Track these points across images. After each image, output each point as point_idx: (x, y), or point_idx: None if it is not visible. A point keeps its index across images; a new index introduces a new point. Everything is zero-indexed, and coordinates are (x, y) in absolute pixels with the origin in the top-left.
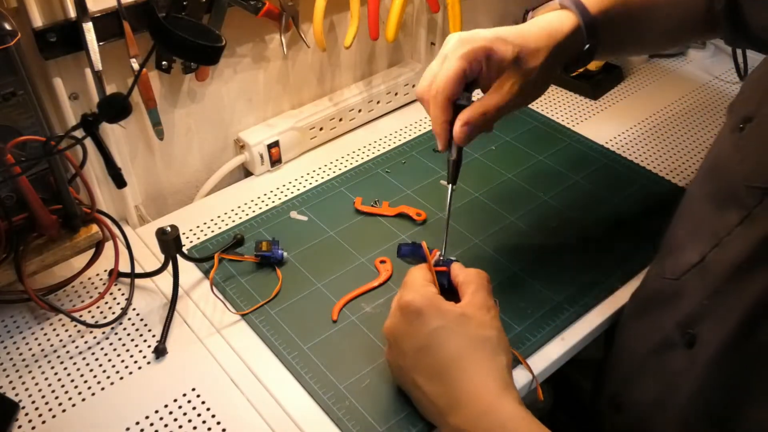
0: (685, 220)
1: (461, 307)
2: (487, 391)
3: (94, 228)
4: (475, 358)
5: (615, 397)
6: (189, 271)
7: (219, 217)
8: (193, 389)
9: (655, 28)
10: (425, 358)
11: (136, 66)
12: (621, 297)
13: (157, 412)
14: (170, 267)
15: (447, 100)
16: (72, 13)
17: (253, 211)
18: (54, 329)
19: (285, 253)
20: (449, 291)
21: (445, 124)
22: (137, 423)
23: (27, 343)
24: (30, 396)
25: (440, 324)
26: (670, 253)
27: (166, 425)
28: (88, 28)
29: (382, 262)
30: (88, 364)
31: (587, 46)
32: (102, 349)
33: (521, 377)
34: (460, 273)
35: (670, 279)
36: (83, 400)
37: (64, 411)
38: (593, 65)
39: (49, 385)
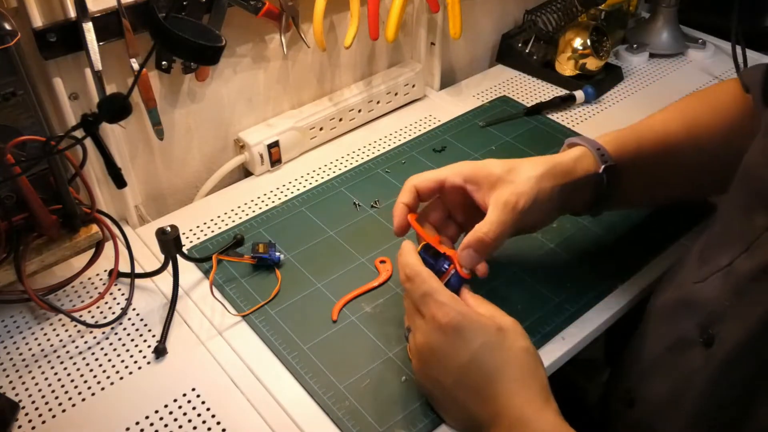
0: (717, 230)
1: (494, 318)
2: (529, 403)
3: (94, 228)
4: (518, 372)
5: (629, 392)
6: (189, 271)
7: (219, 217)
8: (193, 389)
9: (676, 172)
10: (469, 375)
11: (136, 66)
12: (621, 296)
13: (157, 412)
14: (170, 267)
15: (413, 186)
16: (72, 13)
17: (253, 211)
18: (54, 329)
19: (282, 255)
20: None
21: (401, 204)
22: (137, 423)
23: (27, 343)
24: (30, 396)
25: (483, 340)
26: (702, 261)
27: (166, 425)
28: (88, 28)
29: (382, 262)
30: (88, 364)
31: (603, 167)
32: (102, 349)
33: None
34: (465, 297)
35: (696, 283)
36: (83, 400)
37: (64, 411)
38: (593, 65)
39: (49, 385)
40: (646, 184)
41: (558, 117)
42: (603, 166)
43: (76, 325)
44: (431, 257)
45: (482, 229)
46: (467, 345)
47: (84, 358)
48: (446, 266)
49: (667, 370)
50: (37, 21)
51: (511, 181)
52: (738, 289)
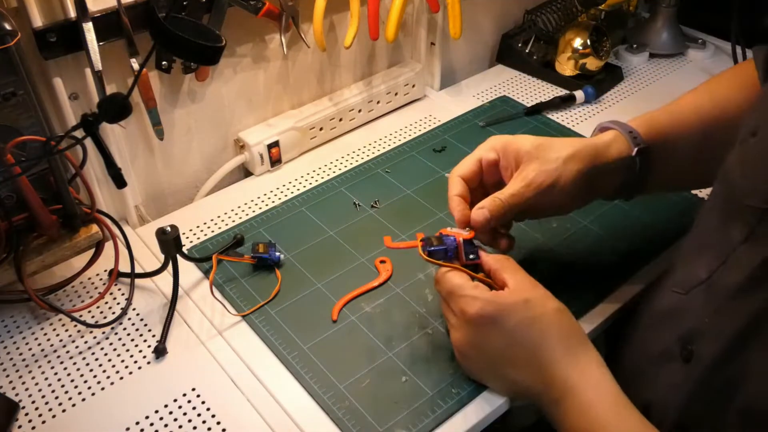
0: (697, 232)
1: (518, 293)
2: (573, 367)
3: (94, 228)
4: (557, 336)
5: None
6: (189, 271)
7: (219, 217)
8: (193, 389)
9: (708, 152)
10: (514, 352)
11: (136, 66)
12: (621, 297)
13: (157, 412)
14: (170, 267)
15: (458, 177)
16: (72, 13)
17: (253, 211)
18: (54, 329)
19: (282, 255)
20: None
21: (455, 197)
22: (137, 423)
23: (27, 343)
24: (30, 396)
25: (517, 319)
26: (683, 266)
27: (166, 425)
28: (88, 28)
29: (382, 262)
30: (88, 364)
31: (635, 150)
32: (102, 349)
33: None
34: (486, 260)
35: (678, 293)
36: (83, 400)
37: (64, 411)
38: (593, 65)
39: (49, 385)
40: (679, 166)
41: (558, 117)
42: (636, 149)
43: (76, 325)
44: (437, 245)
45: (500, 194)
46: (502, 330)
47: (84, 358)
48: (452, 239)
49: (648, 383)
50: (37, 21)
51: (536, 157)
52: (717, 307)
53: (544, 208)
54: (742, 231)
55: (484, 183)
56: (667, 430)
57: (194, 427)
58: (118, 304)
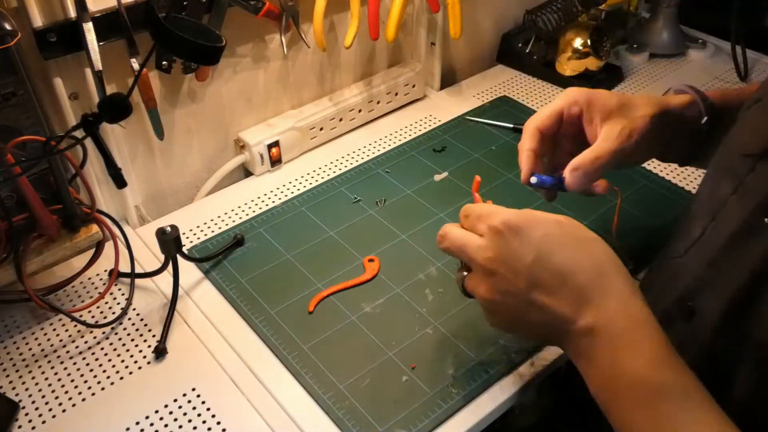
0: (691, 203)
1: (550, 216)
2: (614, 282)
3: (94, 228)
4: (588, 255)
5: None
6: (189, 271)
7: (219, 217)
8: (193, 389)
9: None
10: (540, 270)
11: (136, 66)
12: None
13: (157, 412)
14: (170, 267)
15: (536, 129)
16: (72, 13)
17: (253, 211)
18: (54, 329)
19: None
20: None
21: (528, 152)
22: (137, 423)
23: (27, 343)
24: (30, 396)
25: (544, 232)
26: (680, 236)
27: (166, 425)
28: (88, 28)
29: (371, 260)
30: (88, 364)
31: (705, 119)
32: (102, 349)
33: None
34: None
35: (675, 258)
36: (83, 400)
37: (64, 411)
38: (593, 65)
39: (49, 385)
40: None
41: None
42: (705, 118)
43: (76, 325)
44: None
45: (594, 152)
46: (529, 241)
47: (84, 358)
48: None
49: None
50: (38, 21)
51: (624, 115)
52: (710, 260)
53: (624, 162)
54: (732, 183)
55: (558, 135)
56: None
57: (194, 427)
58: (118, 304)
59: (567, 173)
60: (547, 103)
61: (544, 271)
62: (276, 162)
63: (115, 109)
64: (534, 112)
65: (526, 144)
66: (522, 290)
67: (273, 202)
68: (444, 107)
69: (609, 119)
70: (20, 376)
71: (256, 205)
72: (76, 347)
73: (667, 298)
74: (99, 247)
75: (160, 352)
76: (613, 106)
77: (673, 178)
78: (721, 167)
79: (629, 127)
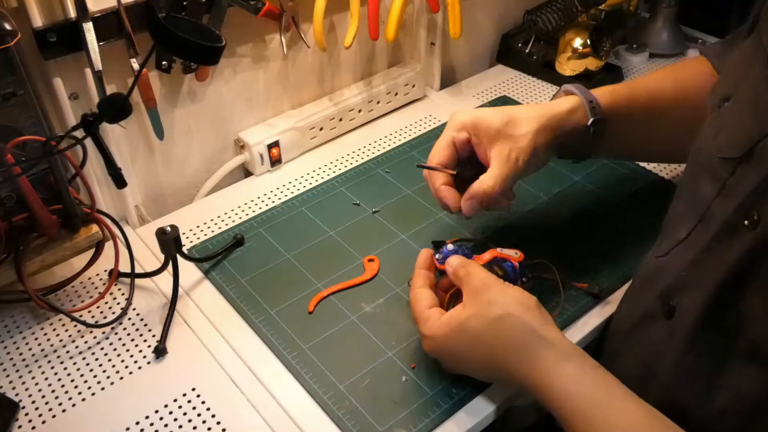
0: (675, 204)
1: (462, 313)
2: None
3: (94, 228)
4: (501, 343)
5: None
6: (189, 271)
7: (219, 217)
8: (193, 389)
9: (662, 130)
10: (477, 362)
11: (136, 66)
12: (620, 297)
13: (157, 412)
14: (170, 267)
15: (438, 165)
16: (72, 13)
17: (253, 211)
18: (54, 329)
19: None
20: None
21: (442, 187)
22: (137, 423)
23: (27, 343)
24: (30, 396)
25: (466, 338)
26: (665, 237)
27: (166, 425)
28: (88, 28)
29: (371, 260)
30: (88, 364)
31: (591, 120)
32: (102, 349)
33: None
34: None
35: (658, 257)
36: (83, 400)
37: (64, 411)
38: (593, 65)
39: (49, 385)
40: (630, 139)
41: None
42: (591, 119)
43: (76, 325)
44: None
45: (487, 182)
46: (454, 348)
47: (84, 358)
48: (510, 264)
49: (635, 347)
50: (37, 21)
51: (509, 135)
52: (692, 259)
53: (522, 177)
54: (714, 186)
55: (459, 159)
56: (661, 386)
57: (194, 427)
58: (118, 304)
59: (463, 202)
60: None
61: (479, 363)
62: (276, 162)
63: (115, 109)
64: None
65: (437, 181)
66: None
67: (273, 202)
68: (444, 107)
69: (495, 142)
70: (20, 376)
71: (256, 205)
72: (76, 347)
73: (649, 295)
74: (99, 247)
75: (160, 352)
76: (497, 127)
77: (667, 174)
78: (698, 168)
79: (515, 149)
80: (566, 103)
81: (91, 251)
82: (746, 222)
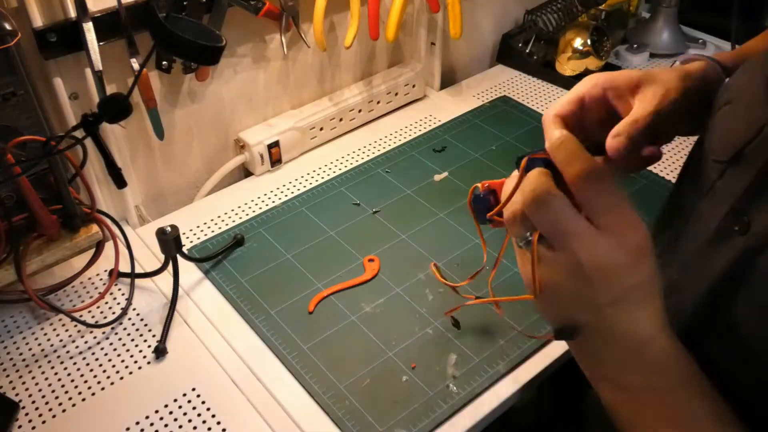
0: (667, 205)
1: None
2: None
3: (94, 228)
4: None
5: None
6: (189, 271)
7: (219, 217)
8: (193, 389)
9: None
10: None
11: (136, 66)
12: None
13: (157, 412)
14: (170, 267)
15: (555, 116)
16: (72, 13)
17: (253, 211)
18: (54, 329)
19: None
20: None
21: (555, 117)
22: (137, 423)
23: (27, 343)
24: (30, 396)
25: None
26: (656, 239)
27: (166, 425)
28: (89, 28)
29: (371, 260)
30: (88, 364)
31: (726, 80)
32: (102, 349)
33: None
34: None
35: None
36: (83, 400)
37: (64, 411)
38: (594, 65)
39: (49, 385)
40: None
41: None
42: (727, 80)
43: (76, 325)
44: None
45: (632, 116)
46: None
47: (84, 358)
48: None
49: None
50: (38, 21)
51: (653, 79)
52: (683, 263)
53: (660, 132)
54: (704, 188)
55: (583, 123)
56: None
57: (194, 427)
58: (118, 304)
59: (609, 139)
60: (547, 103)
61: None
62: (276, 162)
63: (115, 109)
64: (534, 112)
65: (547, 129)
66: (595, 305)
67: (273, 202)
68: (444, 107)
69: (639, 89)
70: (20, 376)
71: (256, 205)
72: (76, 347)
73: None
74: (99, 247)
75: (160, 352)
76: (638, 78)
77: (668, 174)
78: (694, 170)
79: (664, 87)
80: (696, 64)
81: (91, 251)
82: (736, 227)
